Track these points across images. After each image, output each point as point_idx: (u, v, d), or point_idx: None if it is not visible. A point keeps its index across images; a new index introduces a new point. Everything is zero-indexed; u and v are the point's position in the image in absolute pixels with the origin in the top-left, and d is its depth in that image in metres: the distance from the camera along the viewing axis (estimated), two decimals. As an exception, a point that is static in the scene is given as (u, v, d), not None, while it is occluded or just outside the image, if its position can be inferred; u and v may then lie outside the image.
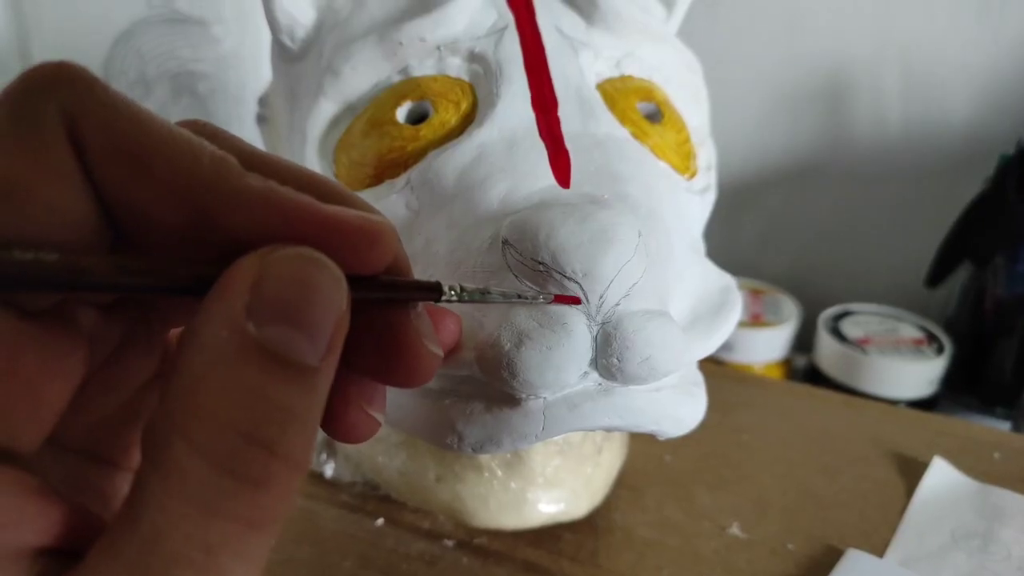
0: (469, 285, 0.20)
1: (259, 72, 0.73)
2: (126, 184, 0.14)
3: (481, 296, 0.20)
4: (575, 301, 0.24)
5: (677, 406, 0.27)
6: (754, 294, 0.68)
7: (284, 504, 0.14)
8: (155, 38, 0.67)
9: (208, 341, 0.13)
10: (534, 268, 0.25)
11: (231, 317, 0.13)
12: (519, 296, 0.23)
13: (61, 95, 0.14)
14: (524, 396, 0.26)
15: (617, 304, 0.25)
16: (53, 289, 0.14)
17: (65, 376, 0.15)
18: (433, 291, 0.18)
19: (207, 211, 0.14)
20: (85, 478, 0.18)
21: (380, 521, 0.38)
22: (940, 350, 0.60)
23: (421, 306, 0.19)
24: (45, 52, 0.61)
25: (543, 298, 0.24)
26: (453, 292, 0.19)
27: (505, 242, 0.25)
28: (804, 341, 0.66)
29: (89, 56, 0.64)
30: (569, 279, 0.24)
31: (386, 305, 0.17)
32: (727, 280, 0.32)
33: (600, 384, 0.26)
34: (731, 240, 0.75)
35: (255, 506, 0.13)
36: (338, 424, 0.18)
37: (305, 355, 0.14)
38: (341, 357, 0.16)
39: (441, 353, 0.18)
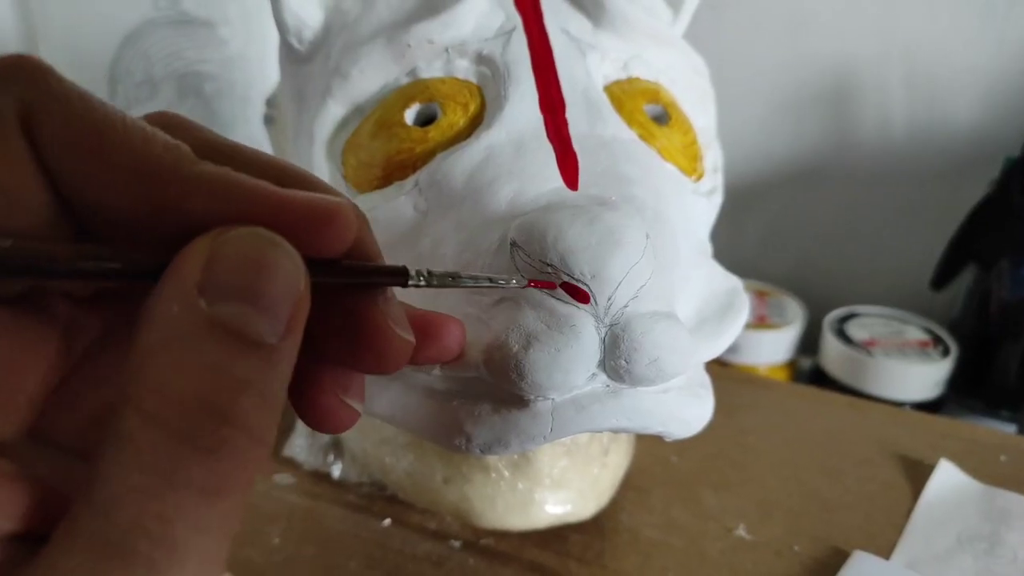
0: (438, 269, 0.19)
1: (265, 74, 0.73)
2: (81, 173, 0.14)
3: (452, 280, 0.20)
4: (550, 286, 0.24)
5: (684, 408, 0.27)
6: (759, 296, 0.68)
7: (241, 474, 0.14)
8: (161, 39, 0.67)
9: (160, 317, 0.13)
10: (542, 270, 0.25)
11: (183, 294, 0.13)
12: (490, 280, 0.23)
13: (15, 87, 0.14)
14: (532, 397, 0.26)
15: (625, 306, 0.25)
16: (9, 275, 0.14)
17: (40, 365, 0.15)
18: (399, 275, 0.18)
19: (162, 199, 0.14)
20: (75, 475, 0.18)
21: (387, 522, 0.38)
22: (945, 352, 0.60)
23: (391, 292, 0.18)
24: (52, 52, 0.62)
25: (516, 282, 0.23)
26: (421, 277, 0.18)
27: (513, 244, 0.25)
28: (809, 343, 0.66)
29: (96, 56, 0.64)
30: (577, 281, 0.24)
31: (352, 290, 0.17)
32: (734, 282, 0.32)
33: (608, 386, 0.26)
34: (736, 242, 0.75)
35: (210, 473, 0.13)
36: (312, 410, 0.18)
37: (262, 333, 0.14)
38: (313, 345, 0.17)
39: (412, 339, 0.18)
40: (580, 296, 0.24)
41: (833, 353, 0.62)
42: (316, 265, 0.15)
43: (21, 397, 0.15)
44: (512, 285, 0.23)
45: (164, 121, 0.16)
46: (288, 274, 0.14)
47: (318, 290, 0.15)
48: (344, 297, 0.17)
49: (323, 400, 0.18)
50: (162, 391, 0.13)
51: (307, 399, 0.18)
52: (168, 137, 0.15)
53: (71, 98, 0.14)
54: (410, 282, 0.18)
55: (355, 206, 0.16)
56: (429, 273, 0.19)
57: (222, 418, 0.13)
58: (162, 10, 0.66)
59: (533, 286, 0.24)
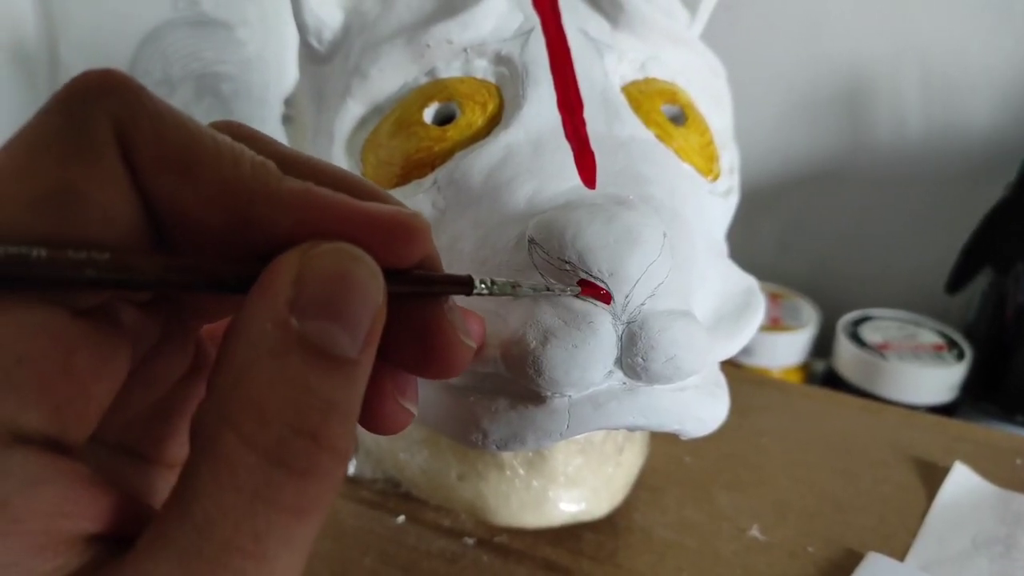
0: (500, 279, 0.20)
1: (282, 75, 0.74)
2: (172, 189, 0.15)
3: (512, 289, 0.21)
4: (605, 298, 0.24)
5: (700, 406, 0.28)
6: (773, 298, 0.68)
7: (328, 493, 0.14)
8: (180, 39, 0.68)
9: (254, 335, 0.14)
10: (560, 267, 0.25)
11: (275, 311, 0.14)
12: (548, 289, 0.23)
13: (110, 103, 0.14)
14: (549, 394, 0.26)
15: (642, 304, 0.25)
16: (104, 287, 0.14)
17: (111, 373, 0.16)
18: (465, 285, 0.19)
19: (248, 213, 0.15)
20: (118, 472, 0.19)
21: (401, 518, 0.38)
22: (960, 356, 0.60)
23: (453, 301, 0.19)
24: (73, 52, 0.62)
25: (571, 291, 0.24)
26: (484, 285, 0.19)
27: (531, 241, 0.26)
28: (823, 346, 0.66)
29: (115, 56, 0.65)
30: (595, 279, 0.24)
31: (420, 298, 0.18)
32: (750, 282, 0.32)
33: (625, 383, 0.26)
34: (750, 244, 0.75)
35: (301, 495, 0.14)
36: (373, 415, 0.18)
37: (345, 348, 0.14)
38: (379, 352, 0.17)
39: (474, 345, 0.19)
40: (599, 294, 0.24)
41: (847, 356, 0.61)
42: (390, 275, 0.16)
43: (88, 405, 0.15)
44: (567, 294, 0.24)
45: (232, 131, 0.16)
46: (370, 289, 0.15)
47: (390, 299, 0.16)
48: (411, 305, 0.18)
49: (384, 405, 0.18)
50: (257, 412, 0.14)
51: (369, 404, 0.18)
52: (255, 154, 0.15)
53: (163, 115, 0.15)
54: (474, 291, 0.19)
55: (425, 218, 0.17)
56: (492, 282, 0.20)
57: (314, 441, 0.14)
58: (181, 11, 0.67)
59: (585, 295, 0.24)
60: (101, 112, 0.14)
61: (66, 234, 0.14)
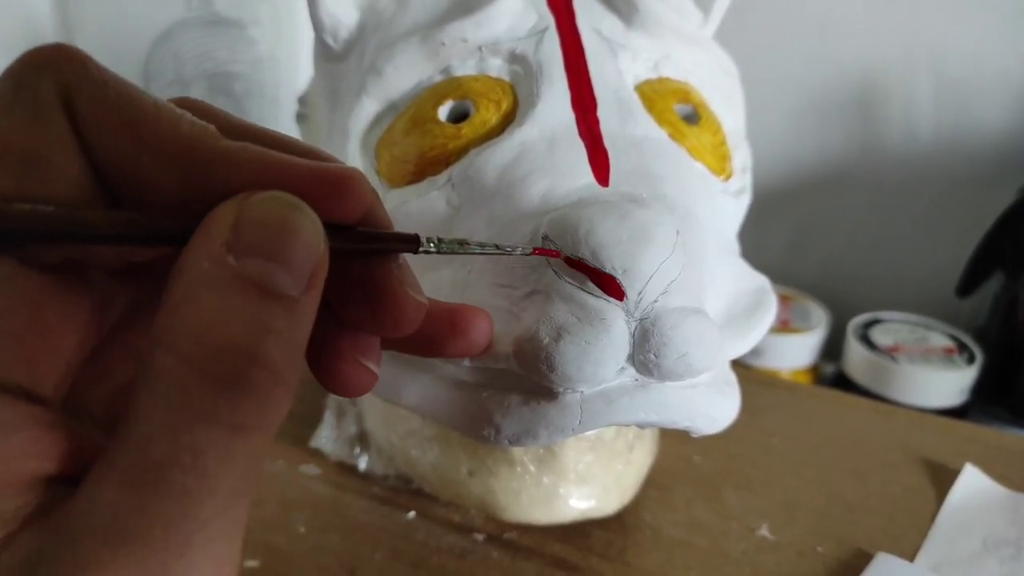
0: (447, 237, 0.20)
1: (294, 74, 0.74)
2: (116, 149, 0.15)
3: (460, 247, 0.21)
4: (553, 254, 0.25)
5: (711, 404, 0.28)
6: (783, 300, 0.68)
7: (268, 413, 0.14)
8: (193, 39, 0.68)
9: (189, 271, 0.14)
10: (574, 264, 0.25)
11: (212, 251, 0.14)
12: (496, 247, 0.23)
13: (55, 71, 0.15)
14: (561, 390, 0.26)
15: (655, 301, 0.25)
16: (52, 239, 0.15)
17: (78, 330, 0.17)
18: (411, 242, 0.19)
19: (189, 171, 0.16)
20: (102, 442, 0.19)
21: (411, 514, 0.38)
22: (971, 360, 0.60)
23: (404, 260, 0.19)
24: (89, 51, 0.63)
25: (521, 250, 0.24)
26: (431, 243, 0.19)
27: (545, 238, 0.26)
28: (832, 349, 0.66)
29: (129, 55, 0.65)
30: (608, 275, 0.25)
31: (367, 256, 0.18)
32: (761, 281, 0.33)
33: (636, 379, 0.26)
34: (760, 246, 0.75)
35: (237, 410, 0.14)
36: (335, 375, 0.19)
37: (285, 285, 0.15)
38: (332, 312, 0.18)
39: (425, 301, 0.19)
40: (612, 290, 0.25)
41: (857, 358, 0.61)
42: (333, 230, 0.16)
43: (60, 359, 0.16)
44: (517, 253, 0.24)
45: (188, 104, 0.17)
46: (309, 234, 0.15)
47: (335, 256, 0.16)
48: (360, 263, 0.18)
49: (343, 364, 0.19)
50: (193, 333, 0.14)
51: (328, 364, 0.19)
52: (195, 118, 0.16)
53: (106, 81, 0.15)
54: (421, 248, 0.19)
55: (365, 177, 0.17)
56: (439, 240, 0.20)
57: (249, 358, 0.14)
58: (194, 10, 0.68)
59: (537, 253, 0.25)
60: (47, 79, 0.15)
61: (14, 190, 0.14)
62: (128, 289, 0.19)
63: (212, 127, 0.16)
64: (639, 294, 0.25)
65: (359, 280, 0.18)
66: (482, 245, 0.22)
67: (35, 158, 0.15)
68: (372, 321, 0.19)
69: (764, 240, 0.76)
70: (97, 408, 0.18)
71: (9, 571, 0.13)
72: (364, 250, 0.18)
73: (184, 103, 0.17)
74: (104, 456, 0.14)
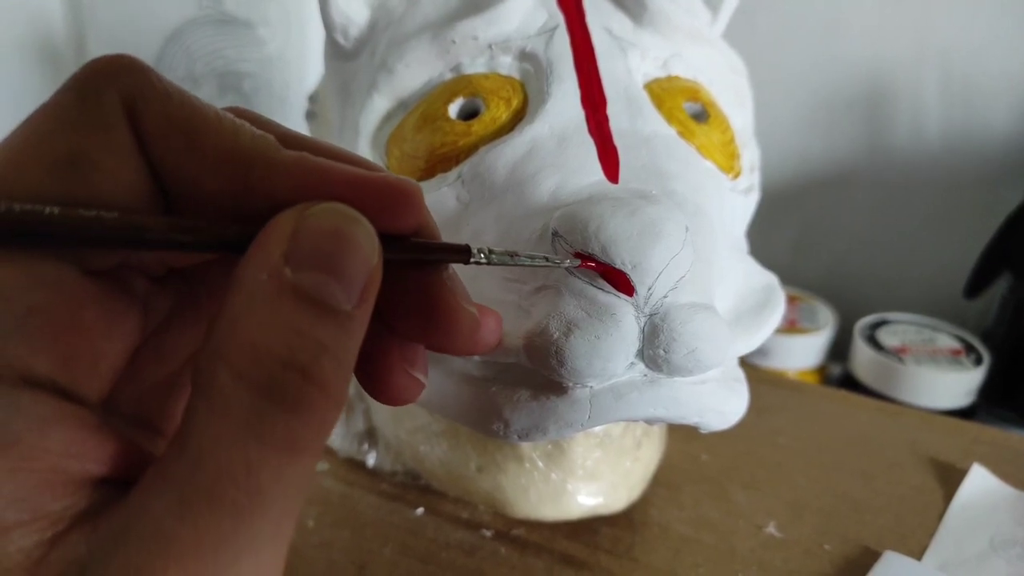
0: (498, 248, 0.20)
1: (302, 73, 0.75)
2: (176, 157, 0.16)
3: (511, 259, 0.21)
4: (600, 269, 0.25)
5: (720, 400, 0.28)
6: (790, 301, 0.68)
7: (319, 433, 0.15)
8: (204, 38, 0.69)
9: (248, 283, 0.15)
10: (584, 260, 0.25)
11: (270, 262, 0.15)
12: (546, 259, 0.23)
13: (120, 81, 0.16)
14: (571, 384, 0.26)
15: (665, 296, 0.25)
16: (113, 244, 0.15)
17: (122, 335, 0.17)
18: (462, 252, 0.19)
19: (248, 180, 0.16)
20: (138, 440, 0.19)
21: (420, 510, 0.38)
22: (978, 361, 0.59)
23: (453, 270, 0.19)
24: (100, 50, 0.63)
25: (569, 262, 0.24)
26: (482, 254, 0.20)
27: (555, 234, 0.26)
28: (839, 350, 0.66)
29: (141, 53, 0.65)
30: (618, 271, 0.25)
31: (418, 266, 0.18)
32: (770, 278, 0.33)
33: (646, 375, 0.26)
34: (767, 246, 0.75)
35: (291, 430, 0.14)
36: (384, 385, 0.19)
37: (340, 300, 0.15)
38: (383, 322, 0.18)
39: (476, 312, 0.19)
40: (623, 286, 0.25)
41: (864, 359, 0.61)
42: (387, 241, 0.16)
43: (100, 363, 0.16)
44: (565, 265, 0.24)
45: (245, 115, 0.17)
46: (364, 247, 0.15)
47: (388, 265, 0.16)
48: (411, 274, 0.18)
49: (393, 375, 0.19)
50: (250, 350, 0.14)
51: (378, 374, 0.19)
52: (254, 128, 0.16)
53: (169, 92, 0.16)
54: (472, 259, 0.19)
55: (418, 185, 0.17)
56: (489, 251, 0.20)
57: (304, 377, 0.14)
58: (205, 9, 0.68)
59: (584, 267, 0.25)
60: (112, 89, 0.15)
61: (78, 196, 0.15)
62: (168, 294, 0.19)
63: (271, 138, 0.16)
64: (649, 290, 0.25)
65: (411, 291, 0.18)
66: (531, 257, 0.22)
67: (99, 166, 0.15)
68: (424, 332, 0.19)
69: (771, 240, 0.75)
70: (127, 407, 0.18)
71: (59, 571, 0.13)
72: (416, 260, 0.18)
73: (240, 113, 0.17)
74: (157, 465, 0.14)
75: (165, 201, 0.16)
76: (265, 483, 0.14)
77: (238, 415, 0.14)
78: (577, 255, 0.25)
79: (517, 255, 0.21)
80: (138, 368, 0.18)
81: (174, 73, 0.67)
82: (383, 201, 0.16)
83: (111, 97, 0.15)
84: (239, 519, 0.14)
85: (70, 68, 0.62)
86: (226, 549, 0.14)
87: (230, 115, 0.16)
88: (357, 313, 0.15)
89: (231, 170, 0.16)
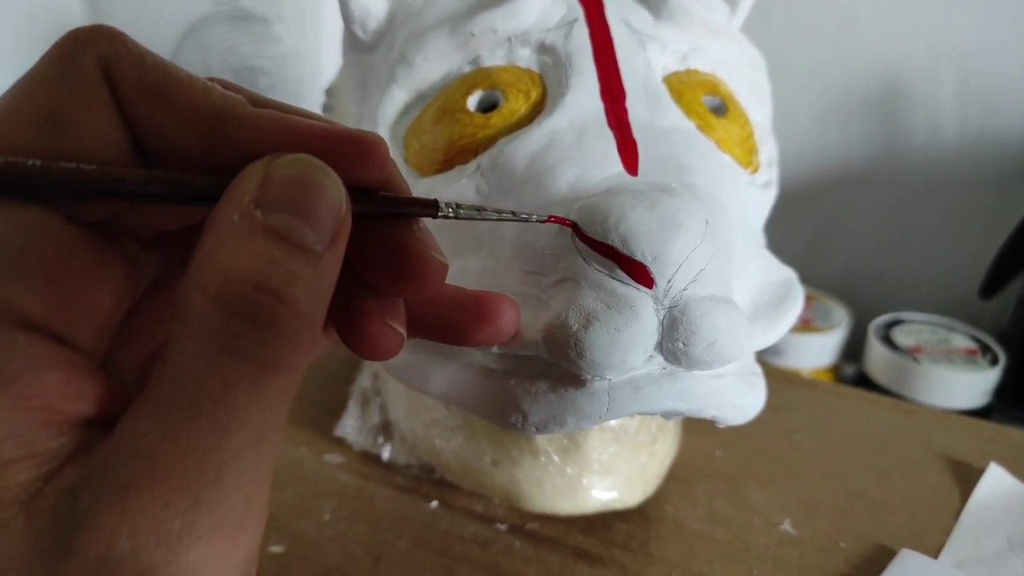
0: (465, 203, 0.21)
1: (317, 69, 0.75)
2: (152, 115, 0.17)
3: (478, 213, 0.21)
4: (647, 282, 0.25)
5: (739, 394, 0.28)
6: (804, 300, 0.68)
7: (293, 350, 0.15)
8: (219, 34, 0.69)
9: (221, 223, 0.15)
10: (603, 252, 0.25)
11: (241, 207, 0.15)
12: (513, 214, 0.23)
13: (97, 46, 0.17)
14: (589, 377, 0.26)
15: (684, 289, 0.25)
16: (93, 195, 0.16)
17: (112, 287, 0.17)
18: (430, 206, 0.20)
19: (218, 135, 0.17)
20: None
21: (434, 503, 0.38)
22: (994, 361, 0.59)
23: (424, 224, 0.20)
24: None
25: (536, 217, 0.24)
26: (450, 208, 0.20)
27: (575, 226, 0.26)
28: (853, 350, 0.66)
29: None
30: (638, 263, 0.25)
31: (389, 219, 0.19)
32: (788, 273, 0.33)
33: (664, 368, 0.26)
34: (781, 245, 0.74)
35: (264, 347, 0.15)
36: (362, 336, 0.20)
37: (310, 240, 0.16)
38: (357, 275, 0.19)
39: (446, 261, 0.20)
40: (642, 278, 0.25)
41: (878, 359, 0.61)
42: (355, 193, 0.17)
43: (95, 313, 0.17)
44: (533, 220, 0.24)
45: (218, 81, 0.18)
46: (332, 193, 0.16)
47: (359, 219, 0.17)
48: (383, 227, 0.19)
49: (370, 326, 0.20)
50: (222, 273, 0.15)
51: (356, 327, 0.20)
52: (224, 89, 0.17)
53: (143, 55, 0.17)
54: (440, 213, 0.20)
55: (382, 138, 0.18)
56: (457, 205, 0.20)
57: (276, 298, 0.15)
58: (221, 5, 0.68)
59: (551, 221, 0.25)
60: (90, 53, 0.16)
61: (61, 151, 0.16)
62: (157, 258, 0.20)
63: (241, 97, 0.17)
64: (668, 282, 0.25)
65: (383, 244, 0.19)
66: (499, 211, 0.22)
67: (79, 122, 0.16)
68: (397, 283, 0.19)
69: (786, 239, 0.75)
70: (127, 373, 0.19)
71: (54, 501, 0.14)
72: (386, 213, 0.19)
73: (214, 80, 0.18)
74: (141, 394, 0.15)
75: (143, 158, 0.17)
76: (242, 397, 0.14)
77: (212, 334, 0.15)
78: (592, 244, 0.25)
79: (484, 209, 0.21)
80: (132, 333, 0.19)
81: (190, 69, 0.67)
82: (347, 152, 0.17)
83: (89, 60, 0.16)
84: (219, 433, 0.14)
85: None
86: (208, 462, 0.14)
87: (202, 79, 0.17)
88: (328, 254, 0.16)
89: (202, 126, 0.17)
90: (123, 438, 0.14)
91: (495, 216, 0.22)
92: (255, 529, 0.15)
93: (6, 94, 0.16)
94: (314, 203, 0.16)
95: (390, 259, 0.19)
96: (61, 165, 0.15)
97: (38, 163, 0.15)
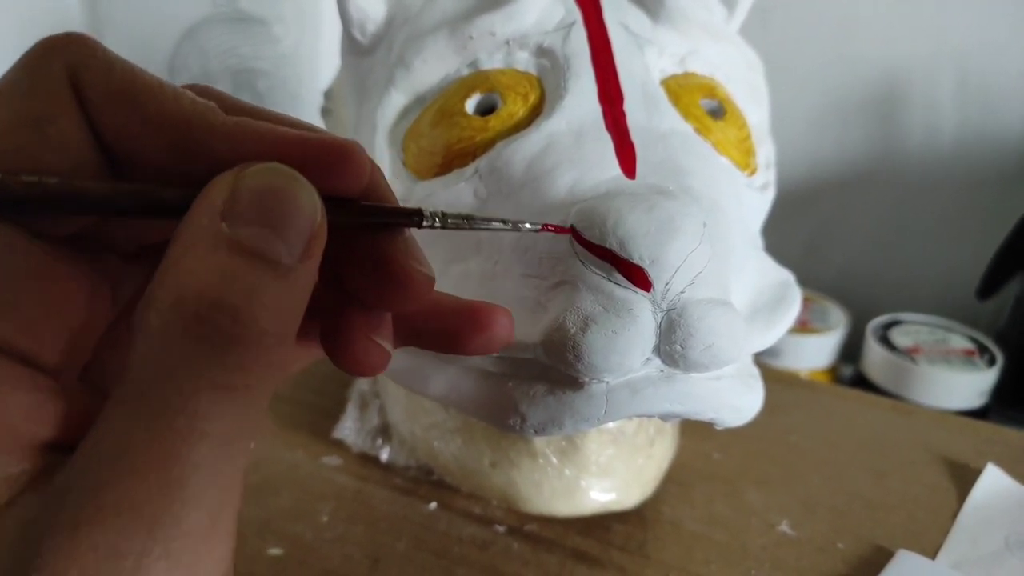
0: (452, 212, 0.20)
1: (316, 71, 0.75)
2: (120, 123, 0.16)
3: (465, 222, 0.20)
4: (645, 285, 0.25)
5: (736, 395, 0.28)
6: (802, 301, 0.68)
7: (256, 370, 0.15)
8: (218, 36, 0.69)
9: (184, 238, 0.15)
10: (601, 255, 0.25)
11: (207, 219, 0.15)
12: (503, 222, 0.21)
13: (65, 53, 0.16)
14: (587, 380, 0.26)
15: (682, 292, 0.25)
16: (56, 210, 0.15)
17: (88, 305, 0.17)
18: (414, 216, 0.19)
19: (188, 143, 0.16)
20: None
21: (433, 505, 0.38)
22: (991, 362, 0.59)
23: (410, 234, 0.19)
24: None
25: (530, 226, 0.23)
26: (436, 218, 0.19)
27: (573, 229, 0.26)
28: (850, 351, 0.66)
29: (156, 51, 0.66)
30: (636, 266, 0.25)
31: (371, 230, 0.18)
32: (786, 275, 0.33)
33: (662, 370, 0.27)
34: (779, 246, 0.74)
35: (222, 368, 0.14)
36: (348, 353, 0.19)
37: (279, 253, 0.15)
38: (341, 289, 0.18)
39: (432, 274, 0.19)
40: (640, 281, 0.25)
41: (876, 359, 0.61)
42: (335, 204, 0.17)
43: (65, 331, 0.16)
44: (526, 228, 0.23)
45: (197, 89, 0.18)
46: (304, 204, 0.15)
47: (340, 230, 0.17)
48: (366, 239, 0.18)
49: (356, 343, 0.19)
50: (175, 291, 0.14)
51: (341, 343, 0.19)
52: (195, 96, 0.17)
53: (112, 62, 0.16)
54: (424, 223, 0.19)
55: (364, 149, 0.17)
56: (443, 215, 0.19)
57: (234, 316, 0.14)
58: (219, 7, 0.68)
59: (546, 230, 0.24)
60: (57, 60, 0.16)
61: (24, 162, 0.15)
62: (139, 271, 0.19)
63: (213, 104, 0.17)
64: (666, 285, 0.25)
65: (367, 256, 0.18)
66: (488, 220, 0.21)
67: (43, 132, 0.16)
68: (382, 297, 0.19)
69: (783, 240, 0.75)
70: (111, 384, 0.19)
71: (13, 535, 0.14)
72: (367, 224, 0.18)
73: (191, 87, 0.18)
74: (100, 415, 0.14)
75: (114, 168, 0.17)
76: (203, 413, 0.14)
77: (168, 352, 0.14)
78: (590, 247, 0.25)
79: (473, 219, 0.20)
80: (115, 345, 0.18)
81: (188, 71, 0.68)
82: (323, 160, 0.16)
83: (57, 68, 0.16)
84: (179, 443, 0.14)
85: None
86: (168, 473, 0.14)
87: (172, 85, 0.17)
88: (301, 267, 0.15)
89: (172, 133, 0.16)
90: (81, 462, 0.14)
91: (484, 226, 0.21)
92: (219, 556, 0.14)
93: None
94: (285, 214, 0.15)
95: (375, 271, 0.18)
96: (22, 179, 0.15)
97: None
